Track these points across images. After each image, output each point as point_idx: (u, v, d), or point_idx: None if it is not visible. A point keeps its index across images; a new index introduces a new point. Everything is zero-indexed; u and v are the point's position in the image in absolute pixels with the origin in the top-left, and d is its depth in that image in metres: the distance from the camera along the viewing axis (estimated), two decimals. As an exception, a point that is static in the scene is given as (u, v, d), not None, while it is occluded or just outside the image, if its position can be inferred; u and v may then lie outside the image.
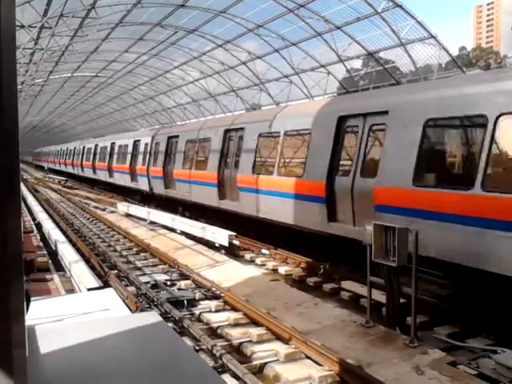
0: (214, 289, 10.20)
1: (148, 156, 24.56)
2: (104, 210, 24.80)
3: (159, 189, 22.93)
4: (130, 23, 25.01)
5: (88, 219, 22.07)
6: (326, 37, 22.98)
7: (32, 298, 3.63)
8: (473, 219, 7.85)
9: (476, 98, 8.20)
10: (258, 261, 13.83)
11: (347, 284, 10.94)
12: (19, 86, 29.26)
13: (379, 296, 8.92)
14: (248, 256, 14.42)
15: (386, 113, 10.12)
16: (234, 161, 16.30)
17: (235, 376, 6.34)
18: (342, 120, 11.29)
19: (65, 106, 53.11)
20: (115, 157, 30.82)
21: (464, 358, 7.14)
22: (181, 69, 33.64)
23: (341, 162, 11.53)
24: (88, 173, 38.99)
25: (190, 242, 15.41)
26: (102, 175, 33.84)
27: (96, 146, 36.58)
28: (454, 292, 10.06)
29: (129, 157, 27.73)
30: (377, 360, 6.68)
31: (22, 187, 30.81)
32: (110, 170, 31.55)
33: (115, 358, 2.43)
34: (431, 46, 20.07)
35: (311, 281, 11.75)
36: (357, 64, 26.27)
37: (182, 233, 16.95)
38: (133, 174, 26.72)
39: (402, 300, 7.99)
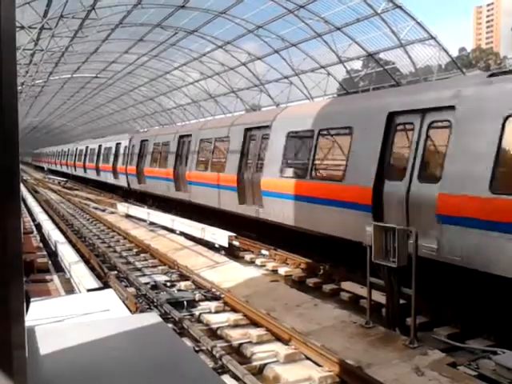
0: (213, 290, 10.19)
1: (126, 157, 28.33)
2: (104, 210, 24.80)
3: (135, 184, 26.71)
4: (130, 24, 25.02)
5: (88, 220, 22.06)
6: (326, 38, 23.00)
7: (32, 299, 3.64)
8: None
9: None
10: (258, 262, 13.82)
11: (347, 285, 10.94)
12: (19, 87, 29.28)
13: (379, 297, 8.92)
14: (248, 257, 14.41)
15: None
16: (185, 160, 19.95)
17: (235, 377, 6.34)
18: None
19: (65, 107, 53.12)
20: (101, 157, 34.69)
21: (464, 358, 7.14)
22: (181, 70, 33.66)
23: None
24: (80, 172, 43.13)
25: (189, 243, 15.41)
26: (91, 174, 37.94)
27: (86, 147, 40.47)
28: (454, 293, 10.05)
29: (112, 157, 31.37)
30: (377, 361, 6.68)
31: (22, 188, 30.82)
32: (98, 169, 35.57)
33: (115, 358, 2.43)
34: (431, 46, 20.09)
35: (311, 282, 11.74)
36: (357, 65, 26.29)
37: (182, 234, 16.95)
38: (115, 172, 30.38)
39: (401, 301, 8.00)
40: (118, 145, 30.83)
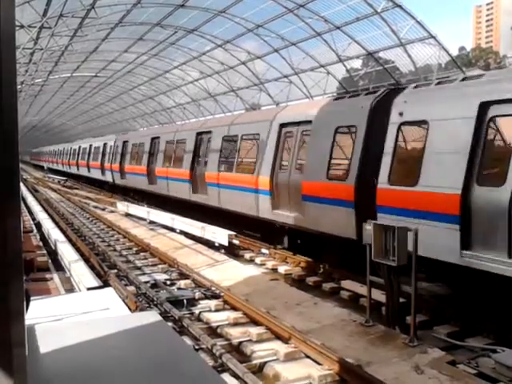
0: (213, 288, 10.20)
1: (111, 155, 32.06)
2: (104, 209, 24.81)
3: (118, 180, 30.56)
4: (130, 23, 24.99)
5: (88, 219, 22.07)
6: (326, 37, 22.97)
7: (32, 298, 3.64)
8: None
9: None
10: (258, 260, 13.83)
11: (347, 283, 10.95)
12: (19, 86, 29.26)
13: (379, 295, 8.93)
14: (248, 255, 14.42)
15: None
16: (156, 158, 23.82)
17: (235, 375, 6.35)
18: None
19: (64, 106, 53.08)
20: (92, 156, 38.33)
21: (464, 357, 7.14)
22: (180, 69, 33.62)
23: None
24: (73, 170, 47.03)
25: (189, 242, 15.42)
26: (83, 171, 41.97)
27: (79, 147, 44.44)
28: (454, 291, 10.06)
29: (100, 156, 35.03)
30: (376, 359, 6.69)
31: (22, 187, 30.84)
32: (88, 167, 39.41)
33: (115, 357, 2.43)
34: (431, 45, 20.07)
35: (311, 280, 11.75)
36: (356, 64, 26.27)
37: (182, 232, 16.96)
38: (102, 169, 34.21)
39: (401, 299, 8.00)
40: (105, 145, 34.45)
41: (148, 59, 32.73)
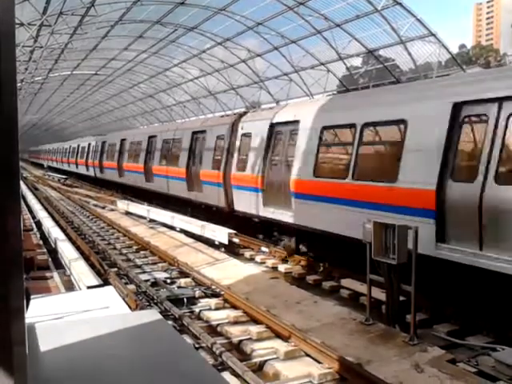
0: (213, 287, 10.21)
1: (94, 153, 37.42)
2: (104, 207, 24.81)
3: (98, 174, 36.15)
4: (130, 21, 24.96)
5: (88, 217, 22.07)
6: (326, 34, 22.95)
7: (32, 296, 3.64)
8: None
9: None
10: (258, 259, 13.83)
11: (347, 282, 10.95)
12: (19, 84, 29.24)
13: (379, 294, 8.93)
14: (248, 254, 14.42)
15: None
16: (126, 156, 29.20)
17: (235, 374, 6.36)
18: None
19: (64, 104, 53.08)
20: (79, 154, 43.65)
21: (463, 355, 7.15)
22: (180, 67, 33.60)
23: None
24: (65, 166, 52.65)
25: (189, 240, 15.42)
26: (72, 167, 47.74)
27: (70, 146, 49.97)
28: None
29: (85, 154, 40.55)
30: (376, 358, 6.69)
31: (22, 185, 30.86)
32: (76, 164, 44.95)
33: (115, 355, 2.43)
34: (431, 43, 20.05)
35: (311, 279, 11.75)
36: (356, 62, 26.24)
37: (182, 231, 16.96)
38: (87, 166, 39.89)
39: (401, 298, 8.00)
40: (89, 145, 40.21)
41: (148, 57, 32.71)
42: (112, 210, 23.82)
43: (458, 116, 8.41)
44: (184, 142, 20.23)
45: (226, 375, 6.20)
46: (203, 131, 18.79)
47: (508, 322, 7.68)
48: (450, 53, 20.55)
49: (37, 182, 45.34)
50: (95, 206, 25.56)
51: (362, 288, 10.02)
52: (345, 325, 8.03)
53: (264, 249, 14.56)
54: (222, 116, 22.18)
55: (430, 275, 8.55)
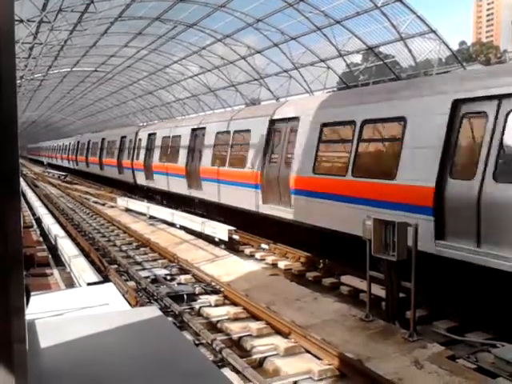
0: (213, 283, 10.22)
1: (74, 150, 46.04)
2: (104, 204, 24.81)
3: (75, 166, 46.21)
4: (129, 17, 24.90)
5: (88, 214, 22.07)
6: (326, 31, 22.91)
7: (32, 293, 3.64)
8: None
9: None
10: (258, 255, 13.84)
11: (347, 278, 10.96)
12: (18, 81, 29.19)
13: (379, 290, 8.94)
14: (248, 251, 14.43)
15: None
16: (99, 153, 35.02)
17: (235, 370, 6.37)
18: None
19: (64, 101, 53.02)
20: (66, 151, 52.08)
21: (463, 352, 7.16)
22: (180, 63, 33.54)
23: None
24: (54, 161, 62.38)
25: (189, 237, 15.42)
26: (60, 162, 56.85)
27: (58, 144, 60.08)
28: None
29: (70, 152, 48.97)
30: (376, 354, 6.70)
31: (22, 182, 30.85)
32: (63, 159, 54.14)
33: (115, 352, 2.44)
34: (431, 40, 20.01)
35: (311, 275, 11.77)
36: (356, 59, 26.19)
37: (182, 227, 16.96)
38: (72, 161, 47.78)
39: (401, 294, 8.01)
40: (70, 143, 49.53)
41: (148, 54, 32.65)
42: (112, 206, 23.82)
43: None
44: (142, 142, 25.87)
45: (226, 371, 6.21)
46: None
47: (507, 319, 7.69)
48: (450, 49, 20.51)
49: (36, 179, 45.34)
50: (95, 202, 25.55)
51: (361, 285, 10.03)
52: (345, 321, 8.04)
53: (264, 245, 14.57)
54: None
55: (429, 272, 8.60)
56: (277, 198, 13.64)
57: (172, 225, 17.70)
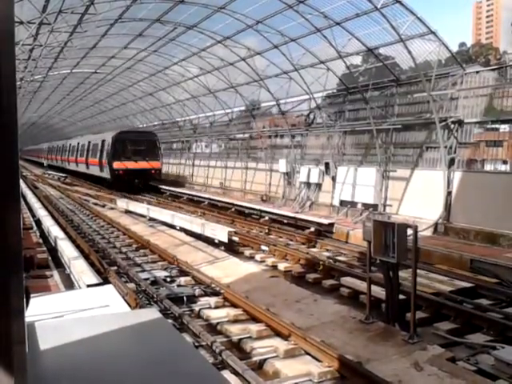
0: (213, 285, 10.21)
1: (61, 152, 57.48)
2: (103, 206, 24.80)
3: (59, 164, 57.17)
4: (129, 19, 24.89)
5: (87, 216, 22.06)
6: (326, 33, 22.89)
7: (32, 295, 3.63)
8: None
9: None
10: (258, 257, 13.84)
11: (346, 280, 10.95)
12: (18, 83, 29.22)
13: (379, 292, 8.93)
14: (247, 252, 14.43)
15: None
16: (64, 153, 54.41)
17: (235, 372, 6.36)
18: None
19: (64, 103, 52.99)
20: (46, 152, 69.68)
21: (463, 354, 7.16)
22: (180, 65, 33.53)
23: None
24: (43, 160, 73.28)
25: (189, 239, 15.42)
26: (45, 162, 69.48)
27: (40, 148, 78.77)
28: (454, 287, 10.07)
29: (48, 153, 66.93)
30: (376, 356, 6.70)
31: (22, 184, 30.87)
32: (47, 159, 69.05)
33: (115, 354, 2.43)
34: (431, 41, 19.99)
35: (310, 277, 11.76)
36: (356, 60, 26.19)
37: (182, 229, 16.96)
38: (51, 159, 64.48)
39: (401, 296, 8.01)
40: (63, 145, 57.75)
41: (148, 55, 32.64)
42: (112, 208, 23.81)
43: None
44: (89, 147, 41.39)
45: (226, 374, 6.21)
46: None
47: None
48: (449, 51, 20.50)
49: (36, 180, 45.36)
50: (95, 204, 25.55)
51: (361, 286, 10.02)
52: (344, 323, 8.04)
53: (264, 247, 14.56)
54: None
55: None
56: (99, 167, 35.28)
57: (172, 226, 17.69)
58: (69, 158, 49.81)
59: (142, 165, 33.34)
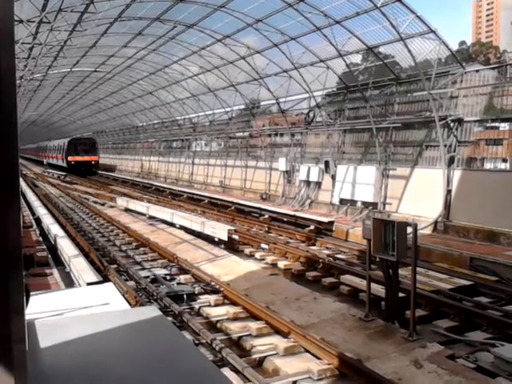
0: (213, 283, 10.22)
1: (44, 150, 72.74)
2: (103, 204, 24.80)
3: (52, 161, 64.60)
4: (129, 18, 24.86)
5: (87, 214, 22.07)
6: (326, 31, 22.87)
7: (32, 293, 3.64)
8: None
9: None
10: (258, 255, 13.85)
11: (346, 278, 10.96)
12: (18, 81, 29.20)
13: (378, 290, 8.94)
14: (247, 250, 14.44)
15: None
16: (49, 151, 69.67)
17: (235, 370, 6.37)
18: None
19: (64, 101, 52.98)
20: (34, 150, 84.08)
21: (463, 351, 7.17)
22: (180, 64, 33.51)
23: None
24: (34, 157, 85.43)
25: (189, 237, 15.43)
26: (38, 159, 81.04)
27: (30, 147, 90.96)
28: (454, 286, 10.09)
29: (42, 151, 77.02)
30: (376, 354, 6.71)
31: (21, 182, 30.86)
32: (37, 156, 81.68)
33: (115, 352, 2.44)
34: (431, 40, 19.97)
35: (310, 275, 11.77)
36: (356, 59, 26.16)
37: (181, 227, 16.96)
38: (40, 156, 77.01)
39: (401, 294, 8.02)
40: (46, 145, 71.33)
41: (147, 54, 32.62)
42: (111, 206, 23.82)
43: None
44: (57, 146, 60.10)
45: (226, 371, 6.22)
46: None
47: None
48: (449, 50, 20.48)
49: (36, 179, 45.35)
50: (95, 202, 25.55)
51: (361, 284, 10.03)
52: (344, 321, 8.05)
53: (264, 245, 14.57)
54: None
55: None
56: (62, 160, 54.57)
57: (171, 225, 17.70)
58: (47, 155, 70.91)
59: (86, 158, 52.99)
